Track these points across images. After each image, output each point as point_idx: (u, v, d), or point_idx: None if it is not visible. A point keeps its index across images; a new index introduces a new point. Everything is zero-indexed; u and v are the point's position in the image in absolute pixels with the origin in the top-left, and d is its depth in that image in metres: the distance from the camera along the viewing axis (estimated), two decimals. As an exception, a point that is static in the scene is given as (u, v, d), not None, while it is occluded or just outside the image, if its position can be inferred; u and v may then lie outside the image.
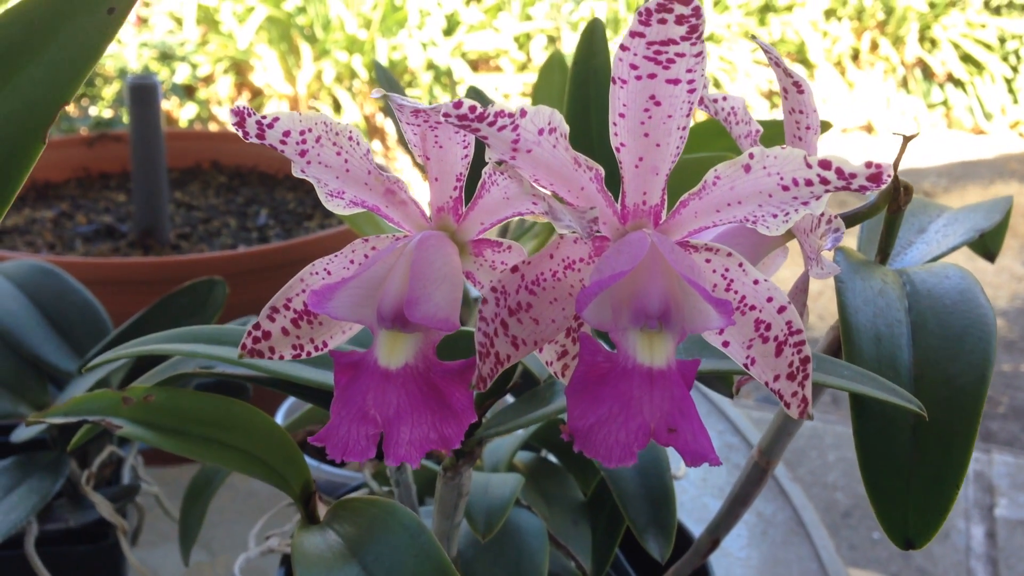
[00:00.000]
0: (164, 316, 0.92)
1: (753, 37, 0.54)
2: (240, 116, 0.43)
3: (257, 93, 4.16)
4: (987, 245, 0.77)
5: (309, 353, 0.47)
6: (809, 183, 0.39)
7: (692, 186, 0.45)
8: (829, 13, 4.67)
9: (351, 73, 3.96)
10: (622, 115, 0.42)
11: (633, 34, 0.39)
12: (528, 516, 0.72)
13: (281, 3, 3.96)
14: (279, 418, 1.18)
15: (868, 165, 0.37)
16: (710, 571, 0.83)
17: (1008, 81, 4.61)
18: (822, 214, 0.52)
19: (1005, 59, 4.65)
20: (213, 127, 4.01)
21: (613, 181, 0.44)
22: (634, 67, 0.41)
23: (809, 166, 0.39)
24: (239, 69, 4.17)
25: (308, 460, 1.06)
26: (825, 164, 0.38)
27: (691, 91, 0.41)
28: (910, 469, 0.50)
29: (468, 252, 0.47)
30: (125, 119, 3.01)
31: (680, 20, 0.39)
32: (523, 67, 4.21)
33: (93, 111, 3.34)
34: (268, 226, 1.55)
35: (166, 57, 3.76)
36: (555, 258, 0.44)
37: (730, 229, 0.55)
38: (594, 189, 0.43)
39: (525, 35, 4.23)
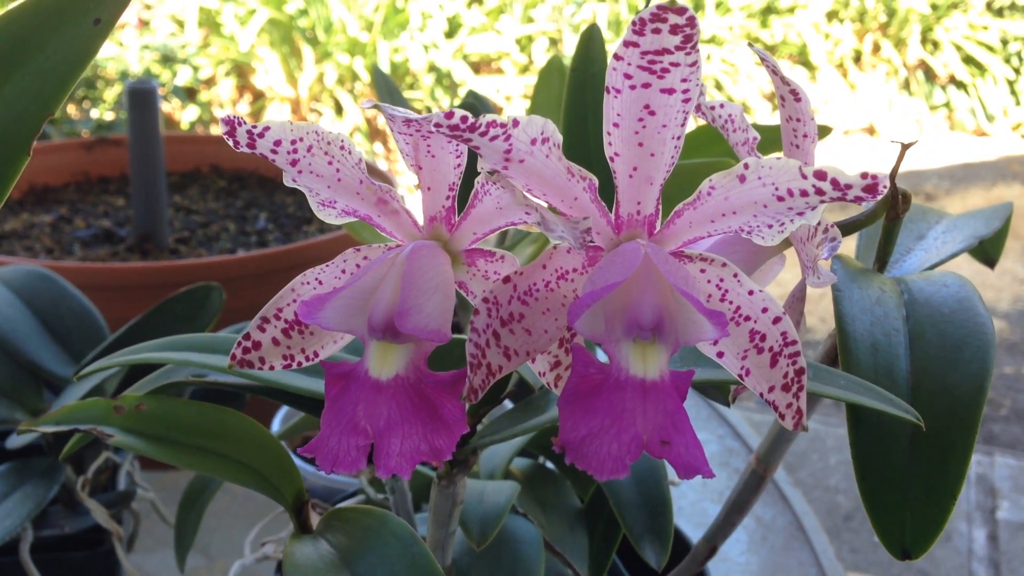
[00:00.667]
0: (160, 322, 0.92)
1: (750, 44, 0.54)
2: (230, 126, 0.42)
3: (259, 95, 4.16)
4: (987, 251, 0.76)
5: (300, 363, 0.47)
6: (804, 194, 0.39)
7: (688, 191, 0.44)
8: (831, 15, 4.67)
9: (353, 75, 3.96)
10: (616, 124, 0.42)
11: (627, 43, 0.39)
12: (524, 524, 0.71)
13: (283, 5, 3.95)
14: (275, 425, 1.18)
15: (864, 176, 0.37)
16: (708, 578, 0.82)
17: (1010, 83, 4.60)
18: (819, 223, 0.52)
19: (1007, 61, 4.64)
20: (215, 130, 4.02)
21: (608, 190, 0.43)
22: (628, 76, 0.40)
23: (804, 177, 0.38)
24: (241, 71, 4.17)
25: (303, 465, 1.06)
26: (820, 175, 0.38)
27: (686, 100, 0.41)
28: (907, 480, 0.50)
29: (461, 262, 0.46)
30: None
31: (674, 30, 0.38)
32: (525, 69, 4.21)
33: (95, 114, 3.34)
34: (267, 230, 1.55)
35: (167, 59, 3.76)
36: (548, 268, 0.44)
37: (726, 238, 0.54)
38: (587, 199, 0.42)
39: (527, 37, 4.22)
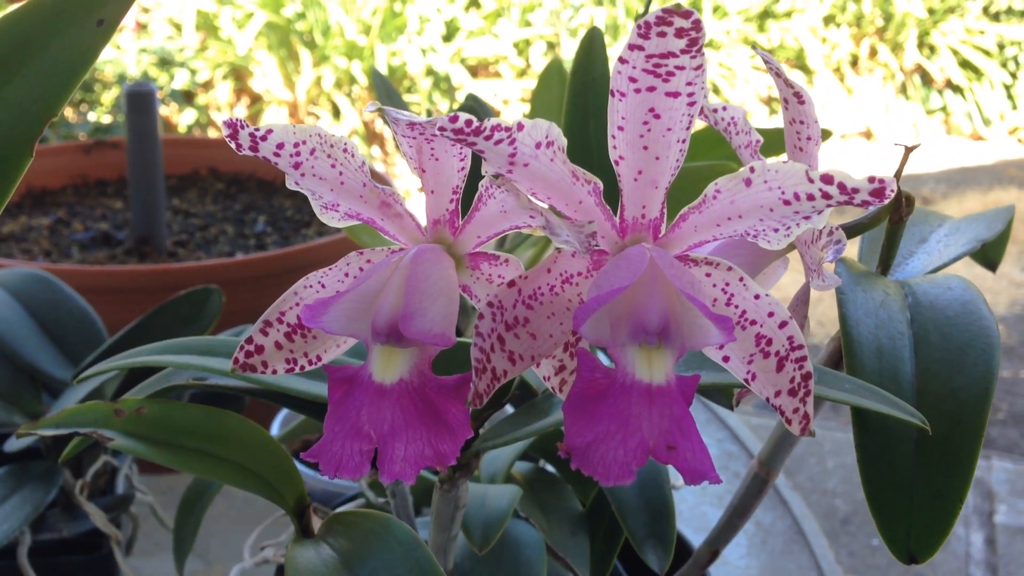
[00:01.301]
0: (159, 325, 0.92)
1: (753, 46, 0.54)
2: (233, 129, 0.42)
3: (256, 99, 4.15)
4: (988, 255, 0.76)
5: (303, 367, 0.47)
6: (811, 198, 0.38)
7: (690, 194, 0.44)
8: (828, 19, 4.67)
9: (350, 79, 3.96)
10: (621, 128, 0.41)
11: (632, 47, 0.39)
12: (526, 528, 0.71)
13: (280, 9, 3.95)
14: (275, 428, 1.17)
15: (871, 180, 0.37)
16: (710, 583, 0.82)
17: (1007, 87, 4.61)
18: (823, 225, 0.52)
19: (1004, 65, 4.65)
20: (212, 133, 4.01)
21: (612, 194, 0.43)
22: (633, 80, 0.40)
23: (811, 181, 0.38)
24: (238, 75, 4.17)
25: (304, 469, 1.06)
26: (827, 179, 0.38)
27: (691, 104, 0.41)
28: (913, 483, 0.50)
29: (465, 265, 0.46)
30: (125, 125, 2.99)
31: (680, 33, 0.38)
32: (522, 73, 4.21)
33: (92, 117, 3.34)
34: (266, 233, 1.55)
35: (165, 63, 3.76)
36: (553, 272, 0.43)
37: (729, 241, 0.54)
38: (592, 203, 0.42)
39: (524, 41, 4.22)
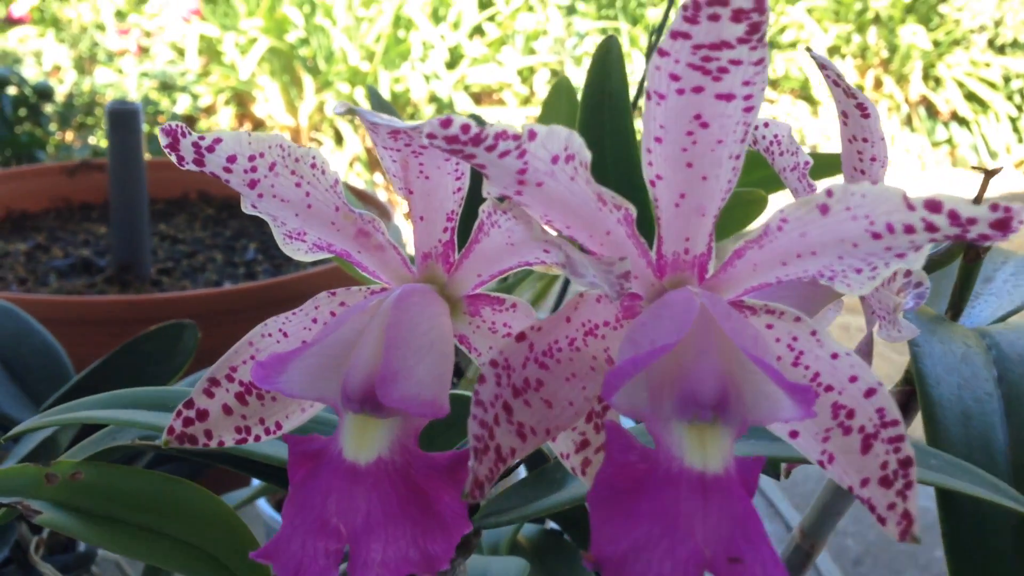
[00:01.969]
0: (127, 363, 0.83)
1: (809, 49, 0.45)
2: (172, 137, 0.33)
3: (259, 124, 4.10)
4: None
5: (258, 438, 0.37)
6: (909, 230, 0.29)
7: (721, 227, 0.35)
8: (833, 50, 4.63)
9: (354, 105, 3.91)
10: (659, 139, 0.33)
11: (676, 35, 0.30)
12: (532, 607, 0.62)
13: (284, 34, 3.91)
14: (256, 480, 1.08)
15: (994, 208, 0.28)
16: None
17: (1013, 120, 4.55)
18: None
19: (1010, 98, 4.59)
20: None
21: (644, 224, 0.34)
22: (675, 78, 0.31)
23: (911, 208, 0.29)
24: (240, 100, 4.11)
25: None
26: (933, 206, 0.29)
27: (748, 110, 0.32)
28: (1011, 582, 0.40)
29: (461, 310, 0.37)
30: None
31: (738, 16, 0.29)
32: (526, 100, 4.16)
33: (92, 140, 3.27)
34: (256, 261, 1.46)
35: (167, 87, 3.71)
36: (573, 322, 0.34)
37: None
38: (623, 234, 0.33)
39: (528, 69, 4.17)
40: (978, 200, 0.47)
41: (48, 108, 2.57)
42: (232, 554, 0.46)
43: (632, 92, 0.71)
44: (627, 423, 0.63)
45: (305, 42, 4.07)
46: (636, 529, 0.29)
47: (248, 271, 1.42)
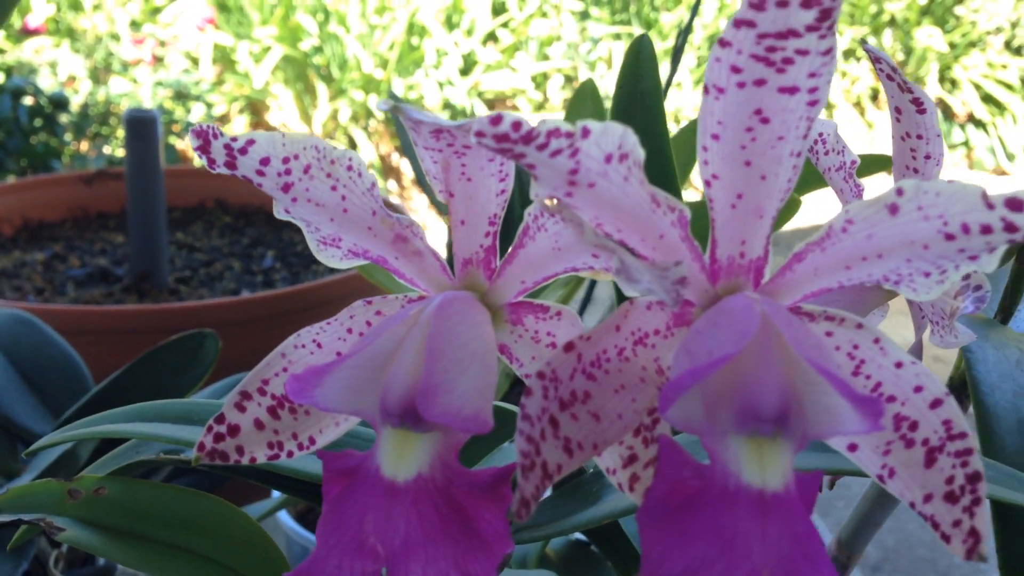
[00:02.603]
0: (147, 374, 0.82)
1: (863, 41, 0.43)
2: (203, 138, 0.32)
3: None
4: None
5: (291, 453, 0.36)
6: (987, 231, 0.28)
7: None
8: (848, 53, 4.60)
9: (367, 112, 3.90)
10: (716, 137, 0.31)
11: (739, 23, 0.29)
12: (564, 623, 0.60)
13: (298, 43, 3.91)
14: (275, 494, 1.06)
15: (1079, 206, 0.26)
16: None
17: (1030, 122, 4.51)
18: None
19: (1026, 100, 4.56)
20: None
21: (695, 227, 0.32)
22: (736, 70, 0.30)
23: (990, 207, 0.27)
24: (255, 108, 4.12)
25: (306, 535, 0.95)
26: (1016, 204, 0.27)
27: (812, 104, 0.30)
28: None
29: (504, 319, 0.35)
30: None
31: (808, 2, 0.28)
32: (540, 106, 4.14)
33: (107, 150, 3.28)
34: (274, 269, 1.45)
35: (181, 96, 3.71)
36: (622, 331, 0.32)
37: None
38: (677, 237, 0.31)
39: (542, 75, 4.16)
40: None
41: (63, 118, 2.58)
42: (256, 568, 0.45)
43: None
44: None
45: (319, 50, 4.08)
46: (690, 549, 0.27)
47: (266, 279, 1.41)
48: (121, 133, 3.40)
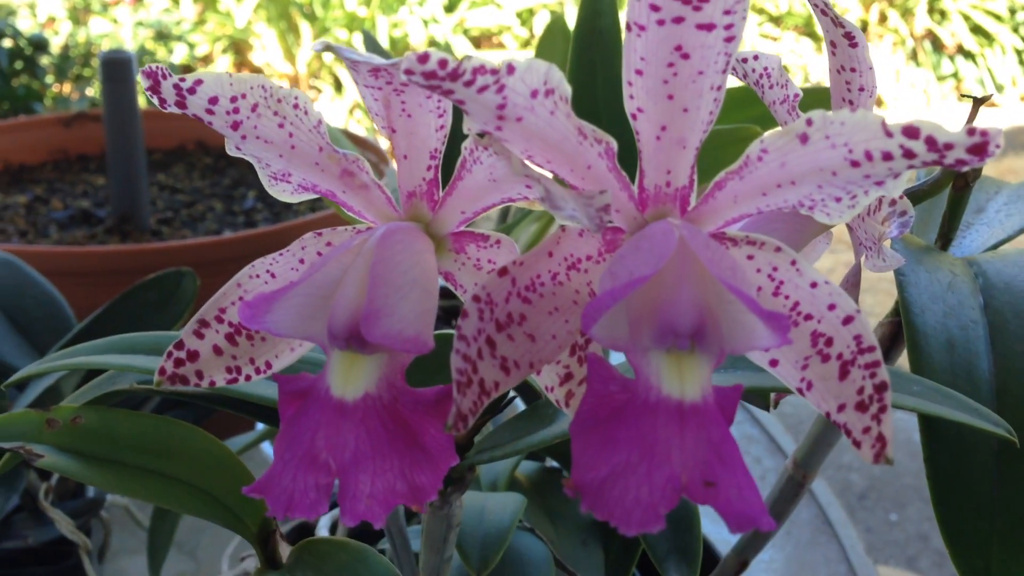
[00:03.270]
0: (127, 312, 0.84)
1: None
2: (153, 79, 0.33)
3: (257, 72, 4.06)
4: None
5: (248, 377, 0.38)
6: (888, 157, 0.30)
7: (710, 164, 0.36)
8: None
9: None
10: (639, 72, 0.33)
11: (655, -38, 0.30)
12: (531, 541, 0.63)
13: (279, -21, 3.85)
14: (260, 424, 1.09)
15: (971, 132, 0.28)
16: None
17: (1019, 52, 4.49)
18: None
19: (1016, 30, 4.52)
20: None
21: (628, 157, 0.34)
22: (655, 8, 0.31)
23: (889, 135, 0.29)
24: (238, 48, 4.07)
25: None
26: (911, 132, 0.29)
27: (728, 40, 0.32)
28: (994, 505, 0.41)
29: (447, 248, 0.37)
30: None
31: (718, -60, 0.29)
32: (526, 43, 4.11)
33: (90, 92, 3.25)
34: (256, 210, 1.46)
35: (163, 36, 3.67)
36: (555, 256, 0.34)
37: (761, 212, 0.46)
38: (604, 167, 0.33)
39: (528, 11, 4.11)
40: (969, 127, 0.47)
41: (44, 60, 2.55)
42: (229, 492, 0.47)
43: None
44: (614, 359, 0.64)
45: (301, -13, 4.02)
46: (615, 456, 0.29)
47: (248, 219, 1.43)
48: (102, 75, 3.36)
